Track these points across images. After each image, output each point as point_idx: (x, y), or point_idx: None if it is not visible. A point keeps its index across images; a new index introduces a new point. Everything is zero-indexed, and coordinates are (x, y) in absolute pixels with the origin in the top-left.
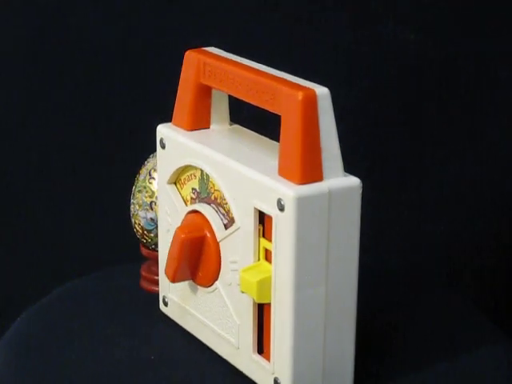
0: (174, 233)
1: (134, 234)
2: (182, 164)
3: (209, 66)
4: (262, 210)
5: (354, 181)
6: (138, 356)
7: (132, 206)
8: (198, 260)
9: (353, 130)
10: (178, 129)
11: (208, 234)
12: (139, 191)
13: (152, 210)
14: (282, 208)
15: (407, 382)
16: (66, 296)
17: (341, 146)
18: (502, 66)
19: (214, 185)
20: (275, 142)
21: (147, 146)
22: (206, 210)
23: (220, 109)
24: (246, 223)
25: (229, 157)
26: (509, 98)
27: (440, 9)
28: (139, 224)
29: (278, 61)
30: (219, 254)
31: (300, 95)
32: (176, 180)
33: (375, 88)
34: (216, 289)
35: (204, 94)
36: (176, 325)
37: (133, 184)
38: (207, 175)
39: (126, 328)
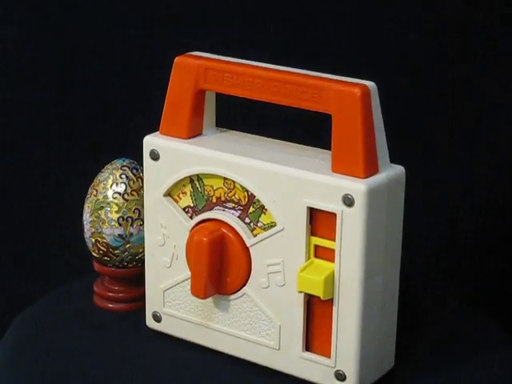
0: (188, 247)
1: (87, 253)
2: (189, 174)
3: (213, 71)
4: (318, 208)
5: (400, 169)
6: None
7: (90, 225)
8: (221, 268)
9: None
10: (172, 138)
11: (231, 236)
12: (101, 208)
13: (120, 225)
14: (350, 203)
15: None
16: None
17: None
18: (502, 66)
19: (214, 191)
20: (284, 141)
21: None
22: (227, 217)
23: (210, 113)
24: (292, 224)
25: (265, 160)
26: (509, 98)
27: (440, 9)
28: (103, 242)
29: (278, 62)
30: (249, 259)
31: (358, 91)
32: (170, 192)
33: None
34: (244, 294)
35: (199, 99)
36: (171, 339)
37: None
38: (201, 184)
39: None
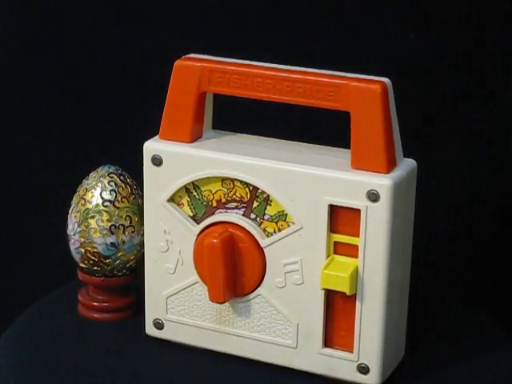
0: (197, 253)
1: (74, 264)
2: (197, 178)
3: (218, 73)
4: (340, 204)
5: (413, 163)
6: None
7: (79, 235)
8: (235, 270)
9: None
10: (174, 142)
11: (240, 234)
12: (92, 217)
13: (112, 234)
14: (375, 199)
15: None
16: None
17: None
18: (502, 66)
19: (213, 195)
20: (289, 141)
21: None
22: (232, 217)
23: (208, 116)
24: (311, 222)
25: (281, 160)
26: (509, 98)
27: (440, 9)
28: (94, 251)
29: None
30: (264, 260)
31: (378, 88)
32: (174, 197)
33: None
34: (258, 295)
35: (201, 102)
36: (172, 345)
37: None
38: (198, 191)
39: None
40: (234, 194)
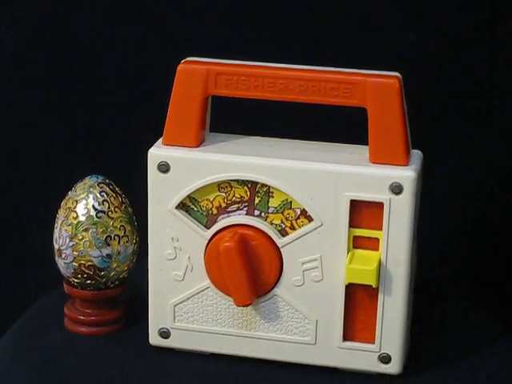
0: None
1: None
2: (209, 182)
3: (225, 75)
4: (362, 199)
5: (420, 154)
6: None
7: (72, 249)
8: (253, 270)
9: (352, 130)
10: (181, 148)
11: (250, 233)
12: (85, 230)
13: (108, 245)
14: (399, 191)
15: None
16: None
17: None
18: (502, 66)
19: (212, 203)
20: (295, 140)
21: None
22: (237, 219)
23: (208, 119)
24: (331, 218)
25: (298, 159)
26: (509, 98)
27: (440, 9)
28: (89, 265)
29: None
30: (281, 259)
31: (396, 83)
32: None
33: None
34: (274, 296)
35: (206, 105)
36: (178, 353)
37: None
38: (196, 204)
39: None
40: (234, 195)
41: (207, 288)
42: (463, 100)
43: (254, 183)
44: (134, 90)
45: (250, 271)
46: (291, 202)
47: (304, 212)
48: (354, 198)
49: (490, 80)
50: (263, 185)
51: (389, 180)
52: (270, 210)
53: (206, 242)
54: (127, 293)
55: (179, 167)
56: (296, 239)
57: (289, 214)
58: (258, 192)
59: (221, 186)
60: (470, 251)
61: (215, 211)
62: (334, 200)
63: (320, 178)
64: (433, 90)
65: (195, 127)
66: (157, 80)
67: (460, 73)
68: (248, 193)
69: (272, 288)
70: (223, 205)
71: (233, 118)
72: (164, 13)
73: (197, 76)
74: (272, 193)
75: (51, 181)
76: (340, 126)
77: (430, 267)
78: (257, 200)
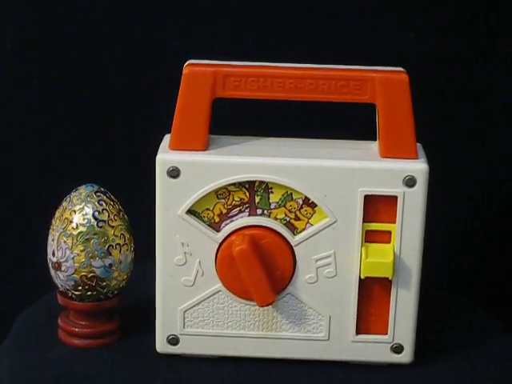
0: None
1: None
2: (221, 185)
3: (234, 77)
4: (376, 194)
5: (421, 146)
6: None
7: (73, 261)
8: (269, 268)
9: (352, 130)
10: (190, 152)
11: (258, 232)
12: (87, 240)
13: (111, 254)
14: (412, 184)
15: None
16: None
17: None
18: (502, 67)
19: (212, 211)
20: (300, 138)
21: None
22: (242, 222)
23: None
24: (345, 214)
25: (311, 158)
26: (509, 98)
27: (440, 9)
28: (91, 276)
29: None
30: (294, 258)
31: (405, 77)
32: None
33: None
34: (287, 294)
35: (211, 108)
36: (186, 359)
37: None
38: (197, 215)
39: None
40: (233, 199)
41: (218, 291)
42: (463, 100)
43: (252, 183)
44: (132, 95)
45: (266, 270)
46: (291, 193)
47: (306, 200)
48: (368, 193)
49: (490, 80)
50: (261, 182)
51: (403, 173)
52: (272, 206)
53: (218, 244)
54: (124, 302)
55: (190, 171)
56: (310, 237)
57: (291, 205)
58: (256, 191)
59: (219, 192)
60: (470, 251)
61: (217, 219)
62: (348, 196)
63: (334, 175)
64: (433, 90)
65: (203, 130)
66: (156, 84)
67: (460, 73)
68: (247, 193)
69: (286, 286)
70: (224, 211)
71: (227, 119)
72: (163, 14)
73: (204, 79)
74: (271, 188)
75: (51, 181)
76: (335, 123)
77: (430, 267)
78: (257, 199)
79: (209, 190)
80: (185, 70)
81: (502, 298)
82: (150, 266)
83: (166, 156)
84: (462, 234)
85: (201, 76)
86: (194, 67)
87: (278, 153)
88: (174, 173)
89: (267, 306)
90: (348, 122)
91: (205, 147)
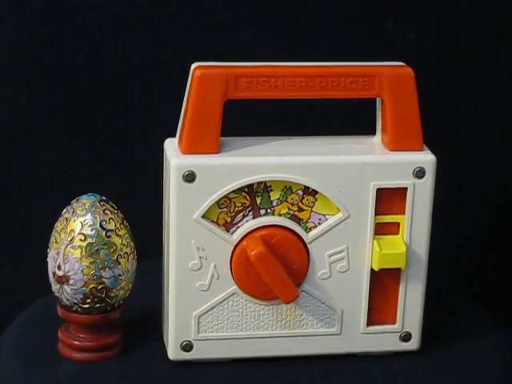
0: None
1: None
2: (239, 186)
3: (245, 78)
4: (388, 186)
5: None
6: None
7: (82, 274)
8: (285, 264)
9: (352, 131)
10: (204, 155)
11: (266, 232)
12: (96, 251)
13: (119, 264)
14: (422, 175)
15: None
16: None
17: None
18: (502, 66)
19: (217, 222)
20: (303, 136)
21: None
22: (249, 227)
23: None
24: (358, 209)
25: (322, 155)
26: (509, 98)
27: (440, 9)
28: (101, 287)
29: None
30: (308, 255)
31: (411, 72)
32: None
33: None
34: (301, 291)
35: (223, 110)
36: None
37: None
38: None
39: None
40: (235, 206)
41: (233, 294)
42: (463, 100)
43: (250, 185)
44: (130, 101)
45: (284, 267)
46: (290, 186)
47: (306, 190)
48: (380, 187)
49: (491, 80)
50: (259, 183)
51: (413, 165)
52: (274, 204)
53: (233, 247)
54: (126, 313)
55: (206, 175)
56: (323, 233)
57: (292, 198)
58: (256, 192)
59: (218, 203)
60: (470, 251)
61: (223, 228)
62: (360, 190)
63: (347, 171)
64: (432, 90)
65: (216, 133)
66: (155, 90)
67: (460, 73)
68: (248, 197)
69: (304, 278)
70: (228, 219)
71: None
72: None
73: (217, 81)
74: (270, 186)
75: (50, 181)
76: (328, 119)
77: (430, 267)
78: (258, 200)
79: (225, 193)
80: (196, 73)
81: (501, 298)
82: (139, 273)
83: (180, 161)
84: (462, 232)
85: (213, 78)
86: (205, 69)
87: (293, 151)
88: (189, 177)
89: (293, 301)
90: (334, 118)
91: (218, 150)
